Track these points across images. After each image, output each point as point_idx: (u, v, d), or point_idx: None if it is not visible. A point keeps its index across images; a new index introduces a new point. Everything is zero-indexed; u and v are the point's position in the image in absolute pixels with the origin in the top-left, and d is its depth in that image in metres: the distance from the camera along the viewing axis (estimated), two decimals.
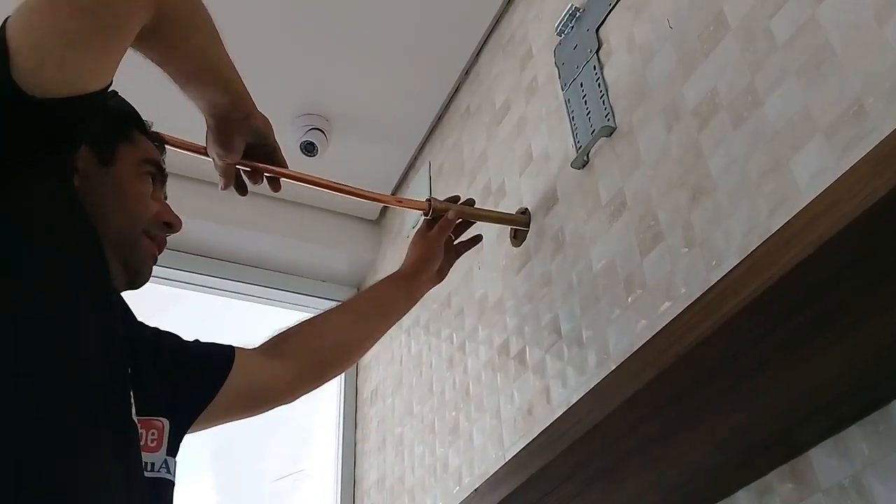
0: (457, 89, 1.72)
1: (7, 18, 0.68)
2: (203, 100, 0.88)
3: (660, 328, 0.75)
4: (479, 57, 1.64)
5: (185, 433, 0.89)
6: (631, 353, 0.84)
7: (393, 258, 1.89)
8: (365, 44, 1.61)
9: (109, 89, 0.73)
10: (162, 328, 0.96)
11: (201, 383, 0.93)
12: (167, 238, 0.89)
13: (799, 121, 0.75)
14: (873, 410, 0.63)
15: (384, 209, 2.04)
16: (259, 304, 1.98)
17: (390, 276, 1.19)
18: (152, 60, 0.82)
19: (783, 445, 0.68)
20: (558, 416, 0.94)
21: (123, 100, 0.89)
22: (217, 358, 0.97)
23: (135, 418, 0.71)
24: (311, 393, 1.08)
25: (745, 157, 0.81)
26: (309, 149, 1.73)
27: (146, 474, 0.75)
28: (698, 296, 0.58)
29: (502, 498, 0.77)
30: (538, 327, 1.15)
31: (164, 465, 0.80)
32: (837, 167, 0.69)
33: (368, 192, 1.15)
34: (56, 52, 0.66)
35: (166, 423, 0.83)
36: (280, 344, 1.06)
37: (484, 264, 1.38)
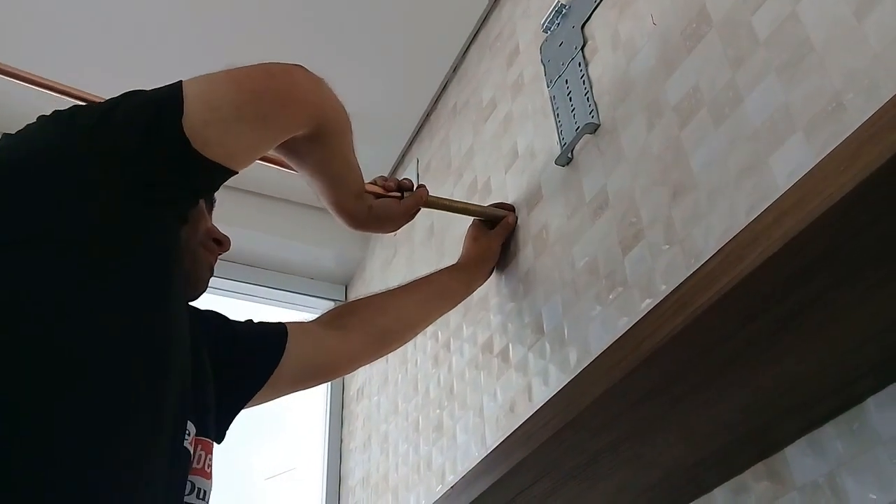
0: (444, 86, 1.71)
1: (182, 80, 0.73)
2: (332, 200, 1.00)
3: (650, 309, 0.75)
4: (466, 54, 1.64)
5: (233, 418, 0.92)
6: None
7: (381, 255, 1.88)
8: (353, 41, 1.61)
9: None
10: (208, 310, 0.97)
11: (253, 370, 0.96)
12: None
13: (779, 118, 0.75)
14: (847, 409, 0.62)
15: None
16: (246, 302, 1.97)
17: (448, 268, 1.22)
18: (297, 167, 0.93)
19: (759, 443, 0.67)
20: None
21: None
22: (269, 342, 0.99)
23: (187, 445, 0.72)
24: (302, 391, 1.08)
25: (725, 155, 0.81)
26: None
27: (188, 499, 0.74)
28: (683, 279, 0.57)
29: (477, 496, 0.76)
30: (521, 325, 1.14)
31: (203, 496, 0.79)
32: (817, 164, 0.69)
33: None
34: (228, 119, 0.72)
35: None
36: (344, 317, 1.10)
37: None
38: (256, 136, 0.77)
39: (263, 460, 1.95)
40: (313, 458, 1.86)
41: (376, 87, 1.72)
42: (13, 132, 0.71)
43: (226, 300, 1.94)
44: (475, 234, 1.25)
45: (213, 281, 1.87)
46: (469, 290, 1.23)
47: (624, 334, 0.58)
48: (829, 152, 0.44)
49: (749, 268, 0.46)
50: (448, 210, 1.22)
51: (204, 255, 0.91)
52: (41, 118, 0.72)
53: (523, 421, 0.71)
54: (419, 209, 1.12)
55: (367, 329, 1.11)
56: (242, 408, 0.95)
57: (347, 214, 1.03)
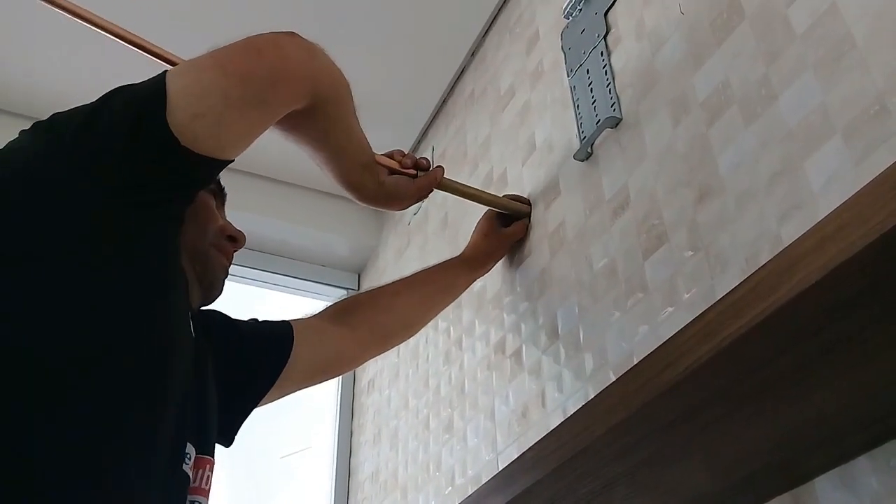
0: (462, 72, 1.66)
1: (166, 71, 0.70)
2: (337, 173, 0.95)
3: (660, 336, 0.70)
4: (485, 38, 1.58)
5: (243, 421, 0.91)
6: (629, 363, 0.80)
7: (395, 244, 1.84)
8: (369, 24, 1.55)
9: None
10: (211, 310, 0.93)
11: (261, 373, 0.94)
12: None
13: (815, 119, 0.69)
14: (883, 442, 0.58)
15: None
16: (258, 288, 1.94)
17: (453, 262, 1.19)
18: (296, 142, 0.89)
19: (787, 474, 0.63)
20: (552, 423, 0.89)
21: None
22: (276, 344, 0.97)
23: (187, 469, 0.69)
24: (308, 388, 1.06)
25: (756, 157, 0.76)
26: None
27: None
28: (699, 314, 0.53)
29: None
30: (536, 326, 1.10)
31: None
32: (855, 172, 0.64)
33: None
34: (216, 109, 0.68)
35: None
36: (348, 313, 1.08)
37: None
38: (248, 121, 0.73)
39: (279, 438, 1.94)
40: (323, 447, 1.84)
41: (392, 71, 1.67)
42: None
43: (237, 286, 1.92)
44: (486, 229, 1.20)
45: None
46: (469, 285, 1.21)
47: (644, 359, 0.53)
48: (881, 171, 0.39)
49: (783, 299, 0.41)
50: (461, 195, 1.16)
51: (216, 256, 0.88)
52: (22, 133, 0.69)
53: (534, 443, 0.67)
54: (432, 190, 1.06)
55: (371, 327, 1.09)
56: (252, 410, 0.93)
57: (353, 187, 0.98)
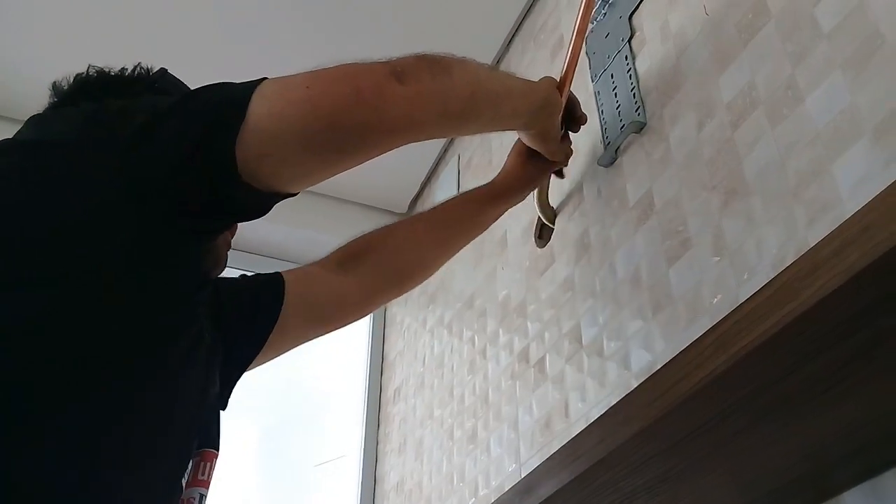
0: None
1: (263, 81, 0.65)
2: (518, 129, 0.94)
3: (683, 346, 0.68)
4: (510, 46, 1.57)
5: (235, 385, 0.85)
6: (651, 372, 0.77)
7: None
8: (394, 32, 1.55)
9: None
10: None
11: (251, 335, 0.87)
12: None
13: (844, 120, 0.67)
14: None
15: (414, 200, 1.97)
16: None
17: (479, 191, 1.08)
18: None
19: (813, 488, 0.60)
20: (575, 433, 0.88)
21: None
22: (264, 300, 0.90)
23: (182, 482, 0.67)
24: (314, 339, 0.99)
25: (782, 159, 0.73)
26: None
27: None
28: (716, 322, 0.51)
29: None
30: (559, 335, 1.08)
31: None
32: (885, 174, 0.61)
33: None
34: (289, 151, 0.63)
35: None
36: (356, 258, 0.99)
37: (507, 264, 1.31)
38: (324, 165, 0.68)
39: (313, 446, 1.93)
40: (351, 456, 1.83)
41: None
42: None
43: None
44: (525, 154, 1.07)
45: None
46: (498, 217, 1.10)
47: (659, 370, 0.52)
48: None
49: (803, 307, 0.39)
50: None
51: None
52: (48, 114, 0.66)
53: (551, 454, 0.65)
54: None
55: (381, 272, 1.00)
56: (244, 372, 0.87)
57: (542, 139, 0.98)
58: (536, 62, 1.40)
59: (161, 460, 0.61)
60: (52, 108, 0.74)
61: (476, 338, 1.37)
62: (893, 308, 0.41)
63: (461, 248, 1.08)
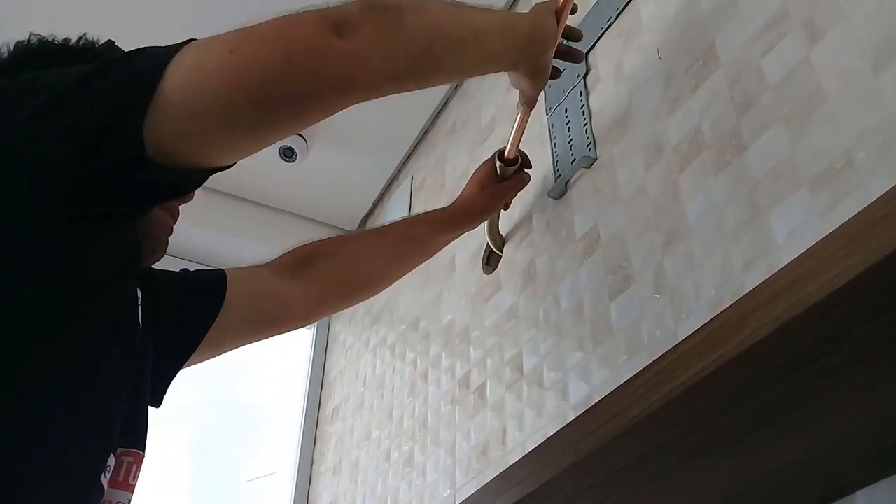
0: (445, 103, 1.66)
1: (186, 45, 0.57)
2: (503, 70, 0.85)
3: (620, 380, 0.69)
4: None
5: (170, 383, 0.81)
6: (589, 404, 0.78)
7: None
8: None
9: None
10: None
11: (188, 332, 0.83)
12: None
13: (783, 171, 0.70)
14: (837, 498, 0.57)
15: (365, 218, 1.97)
16: None
17: (434, 214, 1.07)
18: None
19: None
20: (511, 461, 0.88)
21: None
22: (204, 297, 0.85)
23: (103, 480, 0.63)
24: (254, 342, 0.95)
25: (723, 204, 0.76)
26: (288, 154, 1.68)
27: None
28: (654, 359, 0.52)
29: None
30: (501, 362, 1.08)
31: None
32: (819, 225, 0.64)
33: None
34: (211, 129, 0.57)
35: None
36: (304, 265, 0.96)
37: (454, 289, 1.31)
38: (255, 140, 0.61)
39: (247, 461, 1.89)
40: (284, 474, 1.80)
41: (376, 101, 1.67)
42: None
43: None
44: (484, 179, 1.07)
45: None
46: (451, 241, 1.09)
47: (595, 405, 0.52)
48: (834, 229, 0.39)
49: (732, 353, 0.40)
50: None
51: (161, 214, 0.76)
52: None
53: (486, 482, 0.65)
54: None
55: (329, 282, 0.97)
56: (180, 368, 0.84)
57: (530, 78, 0.89)
58: (495, 90, 1.42)
59: (78, 451, 0.58)
60: None
61: (418, 360, 1.37)
62: (821, 355, 0.43)
63: (411, 268, 1.07)
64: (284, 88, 0.58)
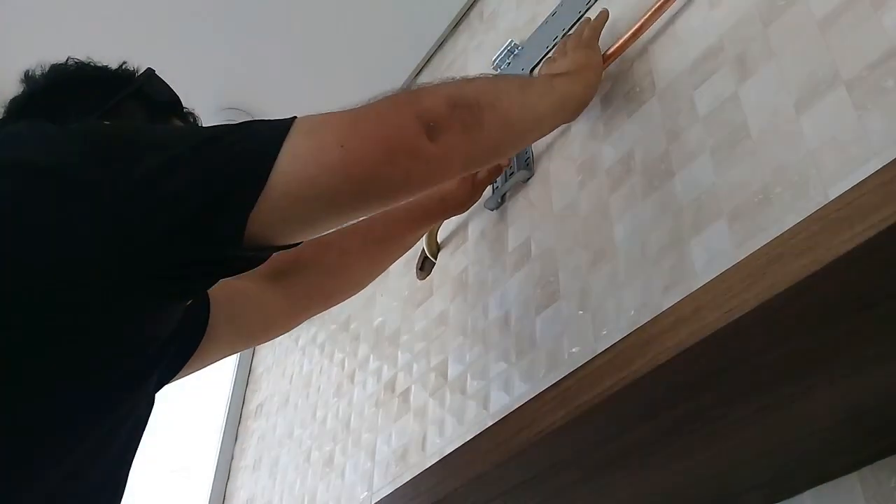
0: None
1: (293, 130, 0.58)
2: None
3: (539, 392, 0.70)
4: (418, 77, 1.59)
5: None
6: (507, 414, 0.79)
7: None
8: (302, 54, 1.55)
9: None
10: None
11: (176, 350, 0.82)
12: None
13: (706, 200, 0.72)
14: None
15: None
16: None
17: (415, 212, 1.06)
18: None
19: None
20: (427, 467, 0.88)
21: None
22: (189, 317, 0.83)
23: None
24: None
25: (649, 228, 0.78)
26: None
27: None
28: (571, 371, 0.53)
29: None
30: (427, 368, 1.09)
31: None
32: (735, 255, 0.66)
33: None
34: (315, 215, 0.59)
35: None
36: (288, 275, 0.97)
37: (387, 292, 1.32)
38: (340, 221, 0.64)
39: (171, 452, 1.86)
40: (204, 468, 1.77)
41: (320, 102, 1.65)
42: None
43: None
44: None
45: None
46: (425, 231, 1.13)
47: (504, 418, 0.53)
48: (734, 264, 0.41)
49: (637, 373, 0.42)
50: None
51: None
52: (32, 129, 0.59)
53: (400, 484, 0.65)
54: None
55: (310, 291, 1.00)
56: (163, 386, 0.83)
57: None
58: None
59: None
60: (26, 106, 0.69)
61: (346, 361, 1.37)
62: (719, 383, 0.44)
63: (388, 266, 1.10)
64: (383, 184, 0.62)
